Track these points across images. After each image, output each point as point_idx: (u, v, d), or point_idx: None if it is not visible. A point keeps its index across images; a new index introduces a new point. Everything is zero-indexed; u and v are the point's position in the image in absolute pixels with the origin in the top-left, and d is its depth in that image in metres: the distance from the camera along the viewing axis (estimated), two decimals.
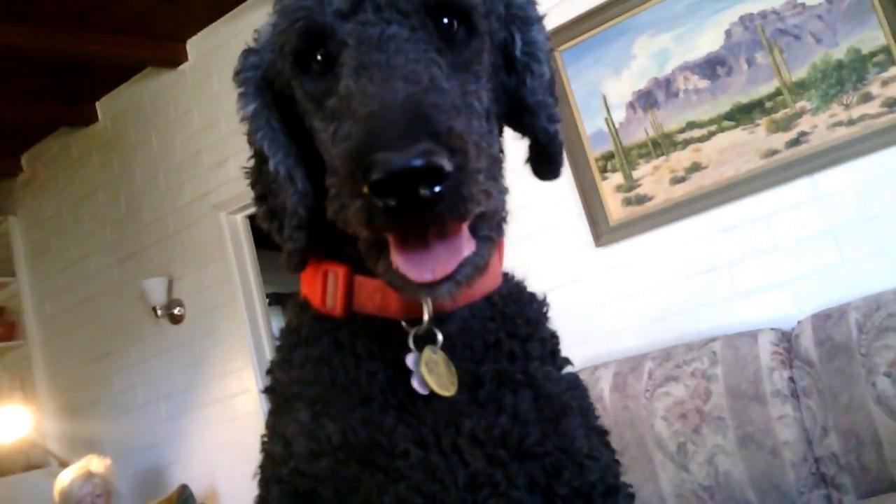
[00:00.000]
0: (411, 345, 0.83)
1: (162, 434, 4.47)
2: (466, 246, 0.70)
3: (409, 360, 0.82)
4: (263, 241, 4.48)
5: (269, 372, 0.93)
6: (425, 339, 0.83)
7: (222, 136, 4.25)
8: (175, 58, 4.43)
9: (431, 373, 0.81)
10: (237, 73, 0.89)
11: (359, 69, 0.72)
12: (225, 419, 4.20)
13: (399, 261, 0.69)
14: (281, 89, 0.87)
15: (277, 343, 0.94)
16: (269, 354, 4.18)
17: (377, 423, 0.80)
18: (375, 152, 0.62)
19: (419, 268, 0.69)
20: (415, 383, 0.81)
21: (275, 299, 7.36)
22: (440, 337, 0.83)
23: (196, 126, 4.39)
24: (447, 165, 0.62)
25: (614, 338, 3.04)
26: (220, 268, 4.25)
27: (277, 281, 7.04)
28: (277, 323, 7.46)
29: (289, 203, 0.85)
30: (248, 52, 0.90)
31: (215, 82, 4.30)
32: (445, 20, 0.79)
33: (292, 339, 0.90)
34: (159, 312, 4.40)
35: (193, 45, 4.43)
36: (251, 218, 4.32)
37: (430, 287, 0.69)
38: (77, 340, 4.94)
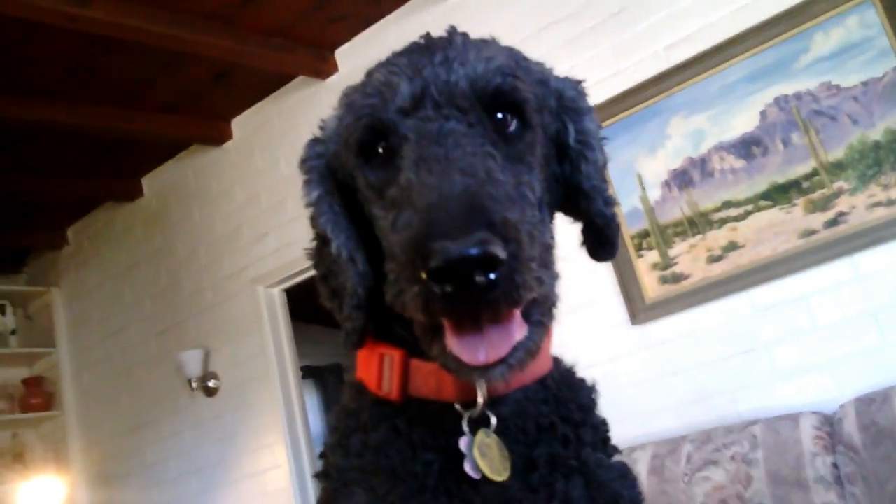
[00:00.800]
0: (465, 428, 0.84)
1: None
2: (519, 330, 0.72)
3: (462, 443, 0.82)
4: (299, 314, 4.52)
5: (322, 455, 0.94)
6: (479, 423, 0.84)
7: (262, 212, 4.34)
8: (220, 136, 4.56)
9: (484, 457, 0.81)
10: (303, 161, 0.92)
11: (419, 161, 0.76)
12: (256, 494, 4.16)
13: (453, 344, 0.71)
14: (343, 178, 0.90)
15: (332, 425, 0.94)
16: (301, 429, 4.16)
17: None
18: (434, 241, 0.65)
19: (473, 351, 0.70)
20: (467, 467, 0.81)
21: (308, 372, 7.37)
22: (494, 420, 0.84)
23: (237, 201, 4.50)
24: (501, 254, 0.65)
25: (651, 418, 2.98)
26: (256, 341, 4.28)
27: (312, 354, 7.07)
28: (310, 397, 7.45)
29: (349, 284, 0.87)
30: (314, 142, 0.94)
31: (258, 159, 4.42)
32: (500, 115, 0.83)
33: (350, 424, 0.90)
34: (194, 385, 4.42)
35: (238, 123, 4.57)
36: (288, 291, 4.37)
37: (484, 370, 0.71)
38: (112, 411, 4.98)
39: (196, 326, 4.60)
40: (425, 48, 0.85)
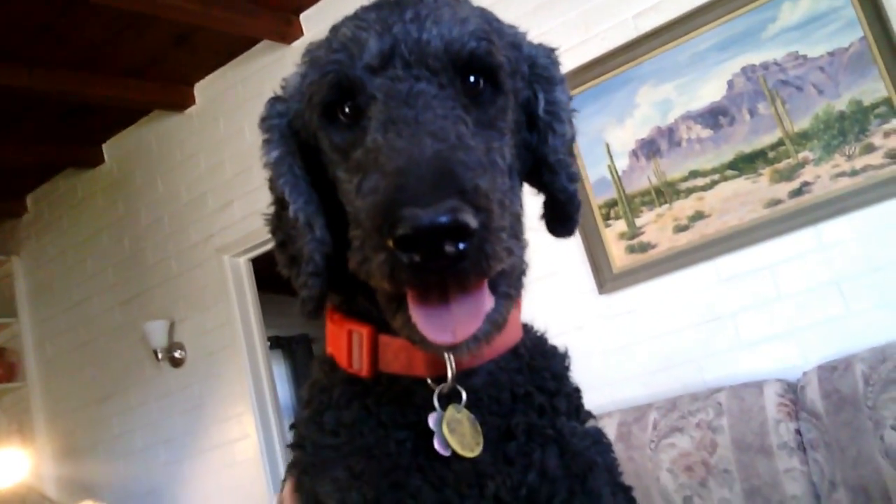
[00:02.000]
0: (436, 403, 0.82)
1: (160, 479, 4.41)
2: (486, 303, 0.70)
3: (431, 420, 0.81)
4: (266, 284, 4.48)
5: (294, 426, 0.92)
6: (450, 398, 0.83)
7: (227, 180, 4.27)
8: (182, 101, 4.47)
9: (454, 433, 0.80)
10: (263, 120, 0.89)
11: (387, 123, 0.73)
12: (224, 465, 4.15)
13: (419, 319, 0.69)
14: (306, 139, 0.87)
15: (304, 399, 0.93)
16: (269, 399, 4.15)
17: (405, 487, 0.79)
18: (403, 207, 0.62)
19: (439, 328, 0.68)
20: (437, 444, 0.80)
21: (276, 343, 7.35)
22: (464, 395, 0.83)
23: (201, 169, 4.42)
24: (473, 223, 0.62)
25: (618, 387, 3.02)
26: (222, 311, 4.23)
27: (279, 324, 7.04)
28: (278, 367, 7.44)
29: (305, 250, 0.84)
30: (274, 100, 0.90)
31: (221, 126, 4.34)
32: (472, 78, 0.80)
33: (323, 399, 0.88)
34: (160, 355, 4.37)
35: (201, 88, 4.48)
36: (254, 261, 4.33)
37: (450, 346, 0.69)
38: (77, 383, 4.91)
39: (161, 296, 4.53)
40: (395, 4, 0.81)
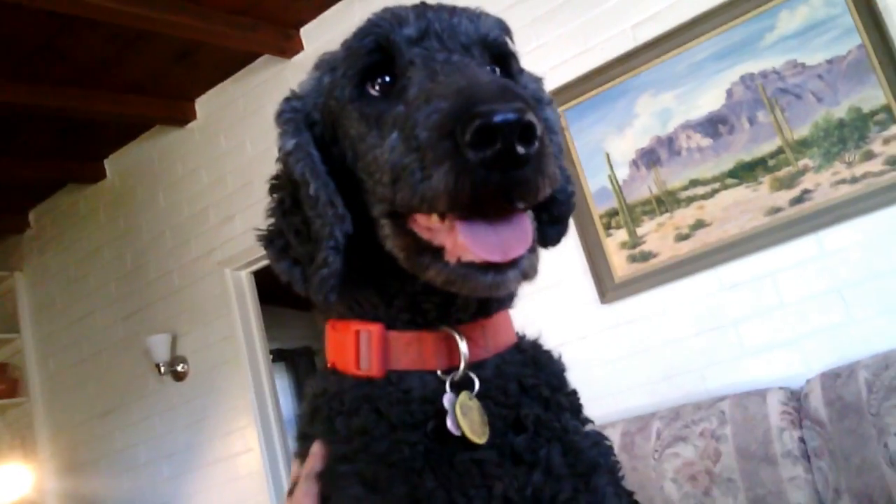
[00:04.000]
0: (448, 388, 0.83)
1: (164, 494, 4.40)
2: (531, 230, 0.73)
3: (446, 399, 0.82)
4: (268, 297, 4.48)
5: (303, 437, 0.91)
6: (461, 387, 0.84)
7: (229, 194, 4.29)
8: (184, 116, 4.49)
9: (465, 416, 0.81)
10: (279, 115, 0.90)
11: (431, 74, 0.76)
12: (228, 479, 4.14)
13: (468, 239, 0.70)
14: (322, 132, 0.89)
15: (310, 409, 0.91)
16: (272, 412, 4.15)
17: (421, 493, 0.80)
18: (477, 104, 0.64)
19: (489, 247, 0.70)
20: (449, 423, 0.80)
21: (278, 355, 7.35)
22: (477, 382, 0.84)
23: (203, 183, 4.43)
24: (539, 126, 0.66)
25: (621, 396, 3.01)
26: (225, 324, 4.24)
27: (281, 337, 7.04)
28: (281, 380, 7.43)
29: (326, 227, 0.83)
30: (289, 98, 0.92)
31: (223, 140, 4.35)
32: (489, 67, 0.86)
33: (334, 406, 0.87)
34: (163, 369, 4.37)
35: (202, 103, 4.50)
36: (256, 274, 4.33)
37: (496, 272, 0.70)
38: (80, 397, 4.91)
39: (163, 310, 4.54)
40: (421, 4, 0.86)
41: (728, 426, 2.50)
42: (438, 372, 0.85)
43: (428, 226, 0.74)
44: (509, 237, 0.70)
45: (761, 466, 2.39)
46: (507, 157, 0.65)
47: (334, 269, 0.83)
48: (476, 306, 0.88)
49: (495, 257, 0.69)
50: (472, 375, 0.84)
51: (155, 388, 4.51)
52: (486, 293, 0.74)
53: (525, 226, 0.72)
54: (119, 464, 4.65)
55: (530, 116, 0.64)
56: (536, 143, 0.66)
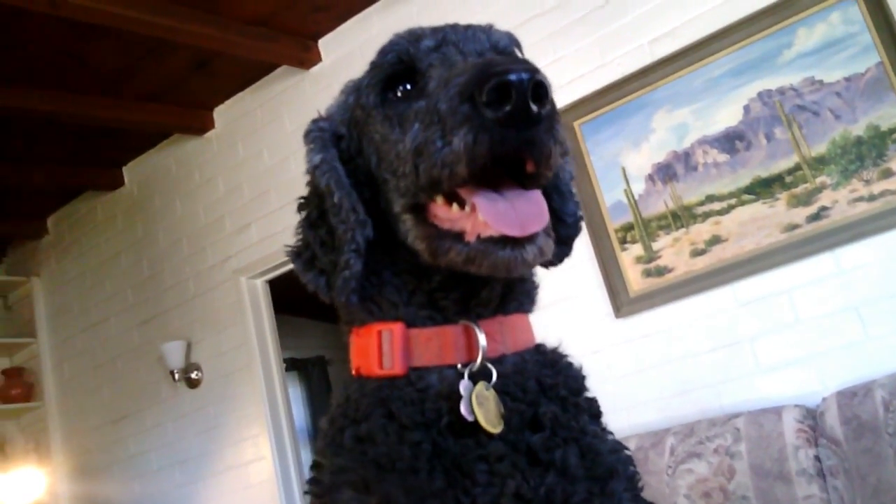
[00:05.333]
0: (466, 377, 0.85)
1: (175, 500, 4.42)
2: (546, 209, 0.78)
3: (462, 386, 0.84)
4: (282, 306, 4.50)
5: (314, 466, 0.91)
6: (478, 378, 0.86)
7: (245, 203, 4.31)
8: (202, 125, 4.52)
9: (481, 406, 0.83)
10: (307, 134, 0.96)
11: (450, 67, 0.82)
12: (240, 486, 4.15)
13: (488, 215, 0.75)
14: (347, 147, 0.95)
15: (325, 427, 0.92)
16: (285, 420, 4.15)
17: (423, 490, 0.80)
18: (492, 67, 0.71)
19: (508, 221, 0.75)
20: (463, 409, 0.82)
21: (292, 364, 7.35)
22: (494, 373, 0.86)
23: (220, 192, 4.46)
24: (550, 89, 0.72)
25: (634, 411, 3.00)
26: (239, 332, 4.25)
27: (295, 346, 7.05)
28: (294, 389, 7.43)
29: (349, 232, 0.89)
30: (317, 119, 0.98)
31: (240, 149, 4.38)
32: None
33: (348, 413, 0.90)
34: (177, 376, 4.39)
35: (220, 113, 4.53)
36: (271, 283, 4.35)
37: (514, 246, 0.75)
38: (94, 402, 4.94)
39: (178, 317, 4.56)
40: (437, 27, 0.92)
41: (743, 443, 2.49)
42: (458, 366, 0.87)
43: (448, 216, 0.80)
44: (527, 213, 0.75)
45: (776, 484, 2.38)
46: (522, 115, 0.70)
47: (356, 271, 0.88)
48: (496, 302, 0.90)
49: (514, 231, 0.74)
50: (490, 367, 0.86)
51: (168, 395, 4.53)
52: (504, 270, 0.77)
53: (541, 203, 0.77)
54: (131, 469, 4.67)
55: (542, 76, 0.70)
56: (548, 105, 0.72)
